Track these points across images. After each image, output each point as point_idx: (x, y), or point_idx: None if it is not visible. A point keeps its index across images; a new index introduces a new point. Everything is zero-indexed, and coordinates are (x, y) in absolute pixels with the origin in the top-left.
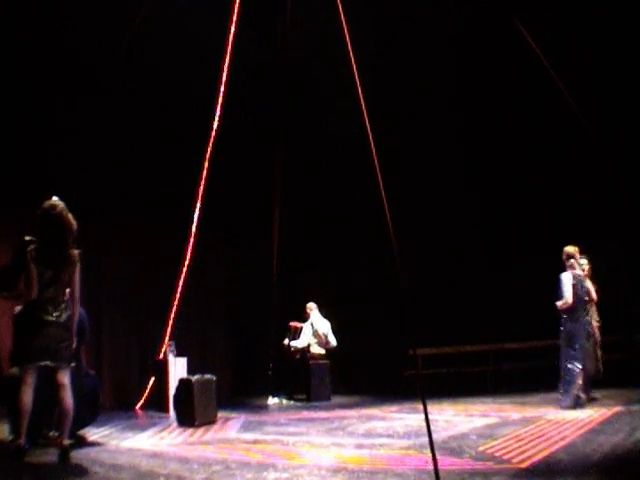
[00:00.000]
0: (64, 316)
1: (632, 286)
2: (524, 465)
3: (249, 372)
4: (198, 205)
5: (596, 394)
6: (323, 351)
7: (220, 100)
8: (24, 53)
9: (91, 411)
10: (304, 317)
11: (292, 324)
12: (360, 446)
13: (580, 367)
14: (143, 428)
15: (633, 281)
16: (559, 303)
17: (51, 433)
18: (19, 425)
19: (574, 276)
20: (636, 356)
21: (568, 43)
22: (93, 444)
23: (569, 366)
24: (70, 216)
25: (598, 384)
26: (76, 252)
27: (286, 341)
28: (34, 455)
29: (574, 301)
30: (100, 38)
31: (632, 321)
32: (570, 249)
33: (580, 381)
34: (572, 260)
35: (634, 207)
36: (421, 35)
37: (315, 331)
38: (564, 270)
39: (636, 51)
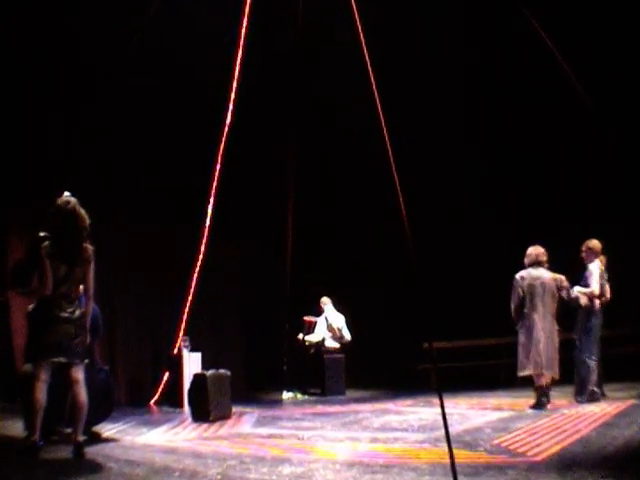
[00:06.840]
0: (77, 312)
1: None
2: (538, 458)
3: (264, 367)
4: (212, 201)
5: (610, 388)
6: (337, 345)
7: (233, 96)
8: (33, 50)
9: (105, 407)
10: (318, 311)
11: (306, 318)
12: (375, 440)
13: (596, 362)
14: (157, 424)
15: None
16: (583, 291)
17: (65, 429)
18: (33, 422)
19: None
20: None
21: (575, 27)
22: (107, 440)
23: (587, 361)
24: (83, 212)
25: (612, 378)
26: (90, 248)
27: (300, 336)
28: (48, 451)
29: (601, 293)
30: (112, 34)
31: None
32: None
33: (595, 376)
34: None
35: None
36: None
37: (329, 325)
38: (582, 263)
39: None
